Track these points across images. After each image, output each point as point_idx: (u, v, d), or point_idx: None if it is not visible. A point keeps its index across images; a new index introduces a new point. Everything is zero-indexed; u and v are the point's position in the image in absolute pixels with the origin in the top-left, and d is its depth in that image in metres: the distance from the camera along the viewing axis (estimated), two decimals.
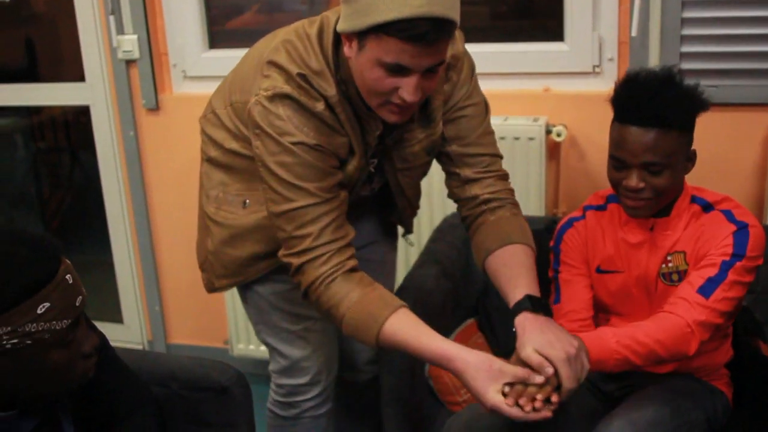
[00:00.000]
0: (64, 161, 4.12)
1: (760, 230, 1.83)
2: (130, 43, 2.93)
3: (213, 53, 2.97)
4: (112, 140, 3.14)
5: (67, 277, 1.33)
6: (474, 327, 2.40)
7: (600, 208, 2.01)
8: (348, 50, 1.63)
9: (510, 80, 2.70)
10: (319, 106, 1.68)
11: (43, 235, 1.35)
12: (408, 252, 2.76)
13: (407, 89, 1.59)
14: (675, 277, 1.88)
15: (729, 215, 1.85)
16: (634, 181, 1.79)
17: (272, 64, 1.71)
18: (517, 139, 2.58)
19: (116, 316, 3.46)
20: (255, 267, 1.93)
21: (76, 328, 1.36)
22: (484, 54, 2.69)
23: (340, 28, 1.63)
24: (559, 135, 2.56)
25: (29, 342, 1.29)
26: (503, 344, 2.36)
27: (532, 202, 2.62)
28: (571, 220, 2.04)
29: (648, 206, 1.83)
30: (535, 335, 1.62)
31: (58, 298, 1.30)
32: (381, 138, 1.80)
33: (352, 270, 1.71)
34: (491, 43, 2.74)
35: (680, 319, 1.77)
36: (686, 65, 2.49)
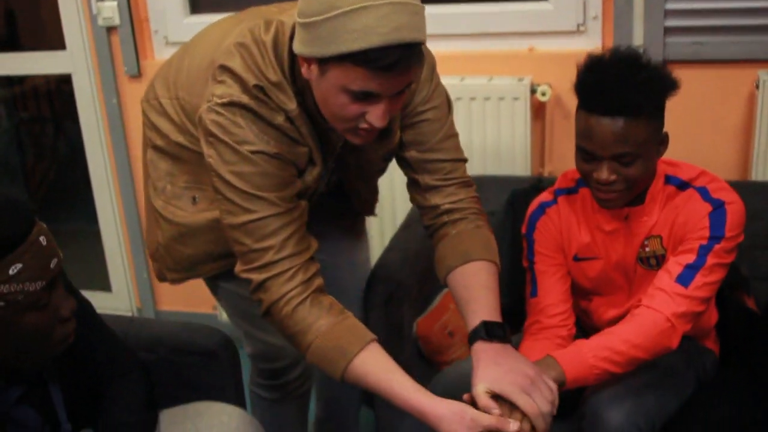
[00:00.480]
0: (48, 131, 4.10)
1: (738, 206, 1.78)
2: (110, 9, 2.89)
3: (195, 18, 2.93)
4: (95, 108, 3.11)
5: (41, 238, 1.31)
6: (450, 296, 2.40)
7: (571, 192, 1.94)
8: (306, 72, 1.52)
9: (494, 40, 2.67)
10: (279, 119, 1.59)
11: (16, 197, 1.33)
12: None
13: (375, 115, 1.49)
14: (653, 261, 1.86)
15: (704, 193, 1.79)
16: (605, 174, 1.71)
17: (226, 69, 1.59)
18: (501, 99, 2.56)
19: (104, 285, 3.45)
20: (209, 265, 1.85)
21: (51, 290, 1.34)
22: (468, 14, 2.69)
23: (297, 50, 1.51)
24: (543, 94, 2.54)
25: (2, 304, 1.27)
26: None
27: (518, 162, 2.62)
28: (542, 206, 1.96)
29: (621, 198, 1.77)
30: (489, 369, 1.56)
31: (31, 259, 1.28)
32: (341, 149, 1.73)
33: (319, 291, 1.62)
34: (475, 3, 2.71)
35: (659, 314, 1.74)
36: (671, 23, 2.47)
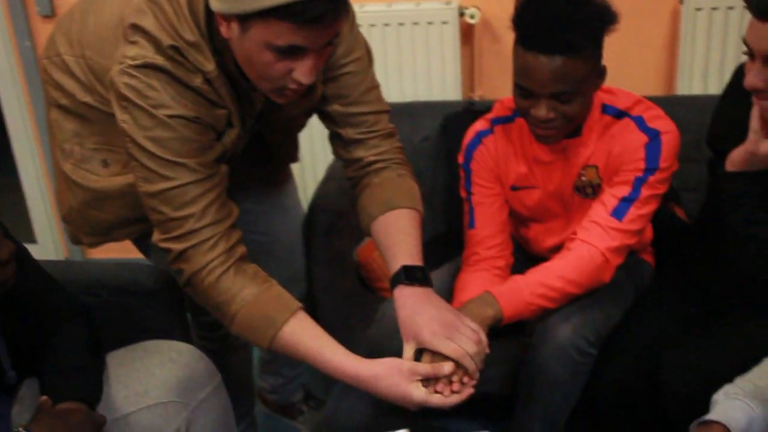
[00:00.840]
0: None
1: (673, 135, 1.80)
2: None
3: None
4: (7, 53, 2.98)
5: None
6: None
7: (508, 121, 1.93)
8: (225, 31, 1.45)
9: None
10: (197, 80, 1.51)
11: None
12: None
13: (303, 71, 1.45)
14: (589, 190, 1.88)
15: (640, 123, 1.80)
16: (543, 111, 1.70)
17: (138, 29, 1.50)
18: (430, 23, 2.55)
19: (29, 236, 3.34)
20: (128, 229, 1.79)
21: None
22: None
23: (215, 8, 1.43)
24: (472, 17, 2.53)
25: None
26: (427, 231, 2.37)
27: (448, 86, 2.62)
28: (479, 135, 1.94)
29: (559, 133, 1.77)
30: (410, 323, 1.55)
31: None
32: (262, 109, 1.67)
33: (242, 259, 1.58)
34: None
35: (594, 249, 1.77)
36: None
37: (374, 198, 1.73)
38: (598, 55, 1.72)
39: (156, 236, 1.57)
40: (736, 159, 1.70)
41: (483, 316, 1.70)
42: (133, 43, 1.50)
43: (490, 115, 1.96)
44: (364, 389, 1.52)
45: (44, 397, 1.45)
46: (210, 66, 1.51)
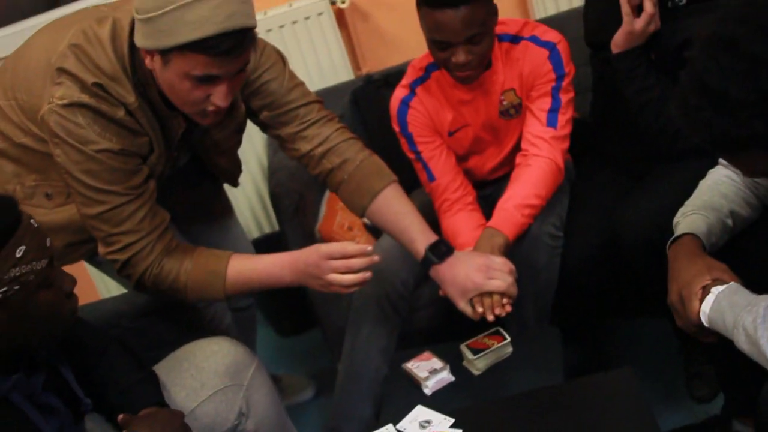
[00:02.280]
0: None
1: (565, 42, 2.10)
2: None
3: None
4: None
5: (32, 221, 1.39)
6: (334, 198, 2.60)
7: (424, 79, 2.16)
8: (149, 63, 1.64)
9: None
10: (119, 113, 1.68)
11: None
12: None
13: (219, 96, 1.64)
14: (512, 111, 2.16)
15: (536, 40, 2.09)
16: (462, 56, 1.95)
17: (63, 71, 1.67)
18: (307, 18, 2.75)
19: None
20: (77, 253, 1.92)
21: (53, 267, 1.42)
22: None
23: (139, 44, 1.63)
24: (343, 2, 2.76)
25: (17, 287, 1.34)
26: None
27: (339, 70, 2.83)
28: (405, 101, 2.16)
29: (477, 72, 2.03)
30: (454, 287, 1.86)
31: (30, 240, 1.36)
32: (186, 133, 1.84)
33: (173, 246, 1.80)
34: None
35: (550, 162, 2.06)
36: None
37: (354, 192, 1.93)
38: None
39: (101, 250, 1.79)
40: (619, 41, 2.01)
41: (497, 246, 1.96)
42: (59, 84, 1.67)
43: (406, 81, 2.19)
44: (293, 273, 1.79)
45: (122, 415, 1.58)
46: (131, 98, 1.70)
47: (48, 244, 1.40)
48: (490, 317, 1.84)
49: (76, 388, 1.59)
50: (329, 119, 1.96)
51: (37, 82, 1.73)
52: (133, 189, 1.73)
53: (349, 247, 1.76)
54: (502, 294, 1.85)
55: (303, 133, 1.92)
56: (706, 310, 1.45)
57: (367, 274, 1.77)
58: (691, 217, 1.64)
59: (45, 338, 1.47)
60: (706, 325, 1.46)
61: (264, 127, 1.96)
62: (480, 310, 1.84)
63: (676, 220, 1.68)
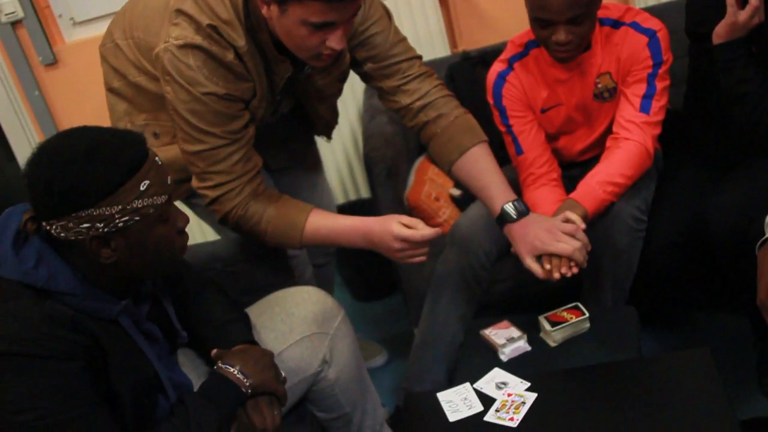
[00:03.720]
0: None
1: (665, 31, 2.13)
2: (11, 4, 2.91)
3: None
4: (16, 104, 3.10)
5: (156, 158, 1.48)
6: (427, 162, 2.67)
7: (523, 56, 2.21)
8: (266, 12, 1.73)
9: None
10: (229, 56, 1.78)
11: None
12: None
13: (335, 40, 1.73)
14: (606, 94, 2.18)
15: (637, 27, 2.12)
16: (563, 36, 1.99)
17: (181, 13, 1.77)
18: None
19: None
20: (177, 191, 2.02)
21: (170, 204, 1.51)
22: None
23: None
24: None
25: (137, 218, 1.42)
26: None
27: (437, 46, 2.88)
28: (502, 75, 2.21)
29: (576, 52, 2.07)
30: (524, 244, 1.91)
31: (155, 175, 1.44)
32: (291, 78, 1.92)
33: (261, 190, 1.90)
34: None
35: (639, 144, 2.08)
36: None
37: (445, 146, 2.00)
38: None
39: (194, 183, 1.90)
40: (720, 32, 2.02)
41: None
42: (176, 24, 1.78)
43: (505, 56, 2.24)
44: (366, 242, 1.87)
45: (215, 350, 1.68)
46: (241, 41, 1.78)
47: (168, 182, 1.48)
48: (556, 275, 1.86)
49: (175, 320, 1.68)
50: (429, 75, 2.03)
51: (155, 21, 1.85)
52: (232, 133, 1.83)
53: (418, 234, 1.81)
54: (569, 258, 1.87)
55: (405, 87, 2.00)
56: None
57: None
58: None
59: (156, 270, 1.56)
60: None
61: (366, 77, 2.05)
62: (548, 267, 1.88)
63: (767, 220, 1.70)
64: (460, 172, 2.00)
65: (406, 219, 1.83)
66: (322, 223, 1.89)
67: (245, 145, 1.87)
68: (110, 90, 2.02)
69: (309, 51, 1.76)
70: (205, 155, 1.84)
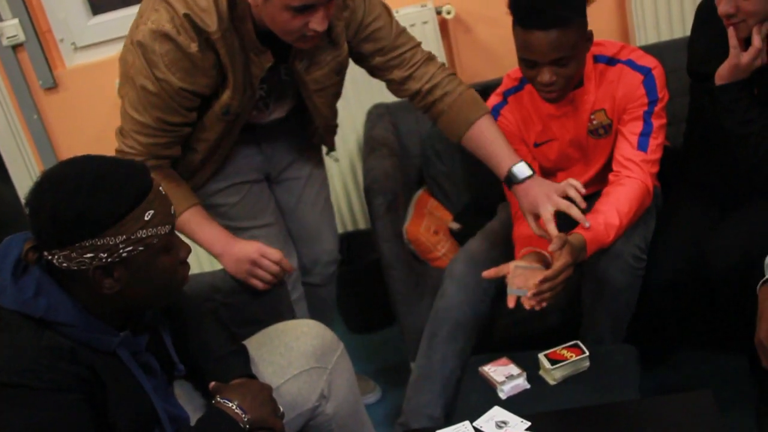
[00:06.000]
0: None
1: (660, 68, 2.14)
2: (13, 28, 2.90)
3: (98, 19, 2.99)
4: (14, 128, 3.07)
5: (160, 188, 1.47)
6: (426, 195, 2.67)
7: (518, 90, 2.24)
8: (252, 0, 1.83)
9: None
10: (193, 47, 1.85)
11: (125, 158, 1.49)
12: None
13: (317, 21, 1.82)
14: (601, 131, 2.20)
15: (632, 64, 2.14)
16: (546, 76, 2.02)
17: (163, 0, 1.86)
18: (412, 25, 2.80)
19: None
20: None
21: (173, 234, 1.51)
22: None
23: None
24: (449, 13, 2.82)
25: (141, 248, 1.42)
26: (456, 205, 2.66)
27: None
28: (496, 108, 2.24)
29: (563, 92, 2.09)
30: (528, 205, 2.01)
31: (159, 205, 1.44)
32: (276, 68, 1.99)
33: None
34: None
35: (640, 183, 2.09)
36: None
37: (453, 121, 2.13)
38: (584, 23, 2.05)
39: (116, 132, 2.01)
40: (723, 73, 2.03)
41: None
42: (156, 10, 1.87)
43: (500, 89, 2.27)
44: (223, 249, 2.02)
45: (213, 383, 1.66)
46: (213, 27, 1.85)
47: (172, 212, 1.49)
48: (538, 232, 1.99)
49: (172, 352, 1.67)
50: (430, 58, 2.15)
51: (148, 6, 1.92)
52: (166, 124, 1.94)
53: (277, 256, 1.98)
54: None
55: (413, 74, 2.12)
56: None
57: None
58: None
59: (157, 300, 1.55)
60: None
61: (375, 71, 2.15)
62: (511, 305, 1.94)
63: (767, 261, 1.70)
64: (469, 142, 2.12)
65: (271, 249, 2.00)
66: (194, 221, 2.02)
67: (173, 138, 1.98)
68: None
69: (293, 34, 1.86)
70: (136, 124, 1.94)
